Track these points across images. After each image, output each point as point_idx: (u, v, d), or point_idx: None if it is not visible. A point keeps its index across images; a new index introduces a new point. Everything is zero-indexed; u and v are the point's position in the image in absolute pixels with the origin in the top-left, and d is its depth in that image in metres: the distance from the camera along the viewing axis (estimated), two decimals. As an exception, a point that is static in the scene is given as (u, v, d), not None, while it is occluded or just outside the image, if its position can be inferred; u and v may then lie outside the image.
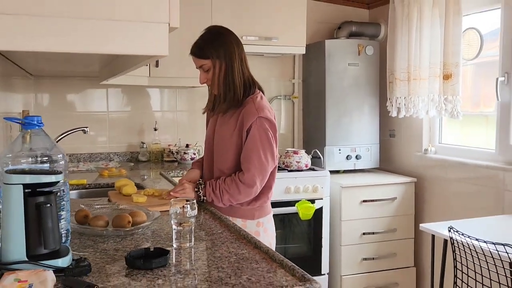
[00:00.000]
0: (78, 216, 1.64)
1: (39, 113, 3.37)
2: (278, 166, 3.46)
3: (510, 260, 1.86)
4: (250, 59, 3.81)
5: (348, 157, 3.71)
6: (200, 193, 2.02)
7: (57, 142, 2.36)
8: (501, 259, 1.90)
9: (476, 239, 1.97)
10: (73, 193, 2.50)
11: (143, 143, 3.56)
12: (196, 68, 2.11)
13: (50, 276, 1.13)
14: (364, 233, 3.45)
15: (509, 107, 2.90)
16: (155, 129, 3.58)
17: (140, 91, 3.63)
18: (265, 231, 2.10)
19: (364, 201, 3.43)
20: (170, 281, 1.19)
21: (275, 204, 3.24)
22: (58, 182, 1.26)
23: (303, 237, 3.48)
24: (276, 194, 3.27)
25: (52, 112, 3.41)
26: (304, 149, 3.69)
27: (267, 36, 3.51)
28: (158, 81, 3.25)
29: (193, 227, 1.48)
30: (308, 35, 3.85)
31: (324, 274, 3.45)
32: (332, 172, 3.62)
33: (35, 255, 1.21)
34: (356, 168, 3.76)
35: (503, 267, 1.91)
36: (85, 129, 2.55)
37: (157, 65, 3.17)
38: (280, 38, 3.54)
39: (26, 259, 1.20)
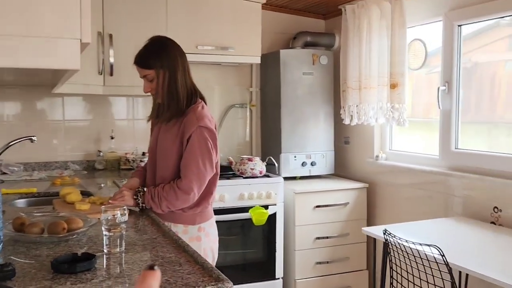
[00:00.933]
0: (15, 224, 1.68)
1: (-6, 122, 3.38)
2: (234, 173, 3.56)
3: (436, 260, 1.96)
4: (207, 68, 3.93)
5: (303, 164, 3.81)
6: (139, 200, 2.07)
7: (2, 151, 2.39)
8: (428, 259, 2.00)
9: (406, 241, 2.07)
10: (22, 202, 2.53)
11: (99, 151, 3.59)
12: (140, 77, 2.18)
13: (-28, 281, 1.17)
14: (317, 238, 3.54)
15: (449, 115, 3.04)
16: (112, 138, 3.62)
17: (97, 99, 3.66)
18: (206, 236, 2.17)
19: (317, 206, 3.53)
20: (91, 283, 1.25)
21: (229, 211, 3.34)
22: (-15, 190, 1.30)
23: (257, 243, 3.55)
24: (230, 200, 3.35)
25: (7, 121, 3.42)
26: (261, 156, 3.77)
27: (223, 46, 3.58)
28: (113, 90, 3.29)
29: (123, 232, 1.53)
30: (266, 45, 3.95)
31: (278, 279, 3.52)
32: (288, 178, 3.71)
33: (-40, 261, 1.25)
34: (312, 175, 3.86)
35: (430, 267, 2.01)
36: (32, 138, 2.57)
37: (111, 74, 3.21)
38: (236, 47, 3.61)
39: (-50, 265, 1.24)
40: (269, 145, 3.99)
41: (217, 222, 3.29)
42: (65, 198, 2.17)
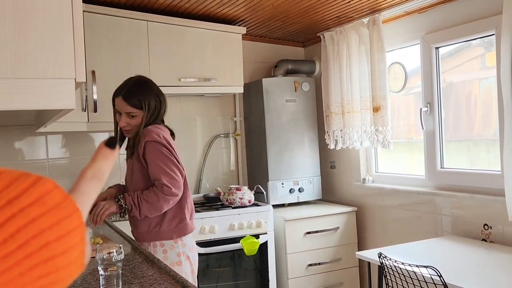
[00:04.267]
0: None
1: (-24, 164, 3.32)
2: (222, 204, 3.54)
3: (433, 281, 1.96)
4: (190, 100, 3.94)
5: (291, 191, 3.81)
6: (121, 202, 2.13)
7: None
8: (425, 281, 2.00)
9: (402, 263, 2.07)
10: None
11: (85, 188, 3.54)
12: (117, 110, 2.27)
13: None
14: (310, 265, 3.52)
15: (433, 135, 3.09)
16: (97, 174, 3.57)
17: (80, 136, 3.63)
18: (187, 259, 2.25)
19: (308, 232, 3.52)
20: (91, 326, 1.22)
21: (219, 242, 3.31)
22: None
23: (250, 273, 3.51)
24: (221, 231, 3.33)
25: (-11, 163, 3.37)
26: (248, 185, 3.76)
27: (205, 77, 3.60)
28: (97, 126, 3.27)
29: (120, 271, 1.50)
30: (248, 74, 3.99)
31: (272, 309, 3.48)
32: (276, 206, 3.71)
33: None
34: (300, 201, 3.86)
35: (428, 289, 2.01)
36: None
37: (95, 110, 3.19)
38: (218, 78, 3.63)
39: None
40: (256, 174, 3.99)
41: (208, 254, 3.28)
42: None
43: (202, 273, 3.32)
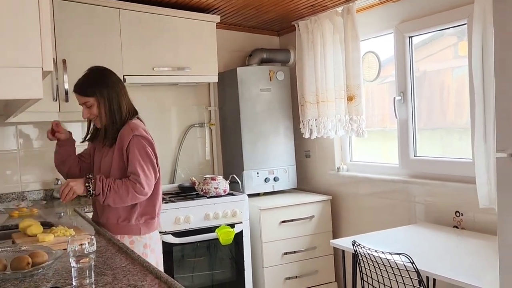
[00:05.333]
0: (-25, 262, 1.60)
1: None
2: (197, 193, 3.53)
3: (406, 267, 1.99)
4: (164, 89, 3.90)
5: (266, 180, 3.81)
6: (90, 187, 2.13)
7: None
8: (398, 268, 2.03)
9: (376, 251, 2.10)
10: (-22, 237, 2.40)
11: (57, 179, 3.48)
12: (79, 104, 2.31)
13: None
14: (285, 253, 3.53)
15: (406, 124, 3.12)
16: (70, 165, 3.51)
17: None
18: (152, 252, 2.30)
19: (283, 221, 3.53)
20: (63, 320, 1.20)
21: (195, 232, 3.30)
22: None
23: (226, 262, 3.51)
24: (196, 221, 3.32)
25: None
26: (224, 175, 3.75)
27: (179, 66, 3.56)
28: (68, 116, 3.20)
29: (92, 263, 1.48)
30: (223, 64, 3.96)
31: (248, 297, 3.49)
32: (252, 195, 3.71)
33: None
34: (275, 190, 3.87)
35: (401, 275, 2.04)
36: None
37: (67, 100, 3.13)
38: (192, 67, 3.60)
39: None
40: (231, 163, 3.98)
41: (183, 244, 3.27)
42: (25, 231, 2.08)
43: (178, 263, 3.31)
